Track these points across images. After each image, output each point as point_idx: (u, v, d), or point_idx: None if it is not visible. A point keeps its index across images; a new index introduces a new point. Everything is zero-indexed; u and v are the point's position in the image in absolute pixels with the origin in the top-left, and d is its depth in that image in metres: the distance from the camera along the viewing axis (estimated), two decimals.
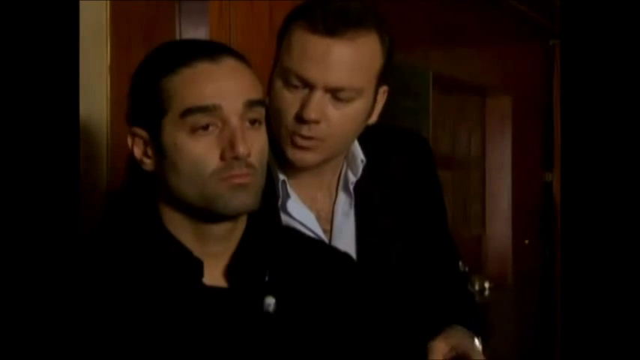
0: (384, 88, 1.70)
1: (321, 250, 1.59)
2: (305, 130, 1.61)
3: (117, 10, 2.04)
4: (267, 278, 1.45)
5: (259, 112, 1.41)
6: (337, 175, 1.74)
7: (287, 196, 1.69)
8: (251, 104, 1.40)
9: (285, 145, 1.64)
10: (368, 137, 1.74)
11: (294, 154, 1.64)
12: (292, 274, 1.48)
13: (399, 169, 1.79)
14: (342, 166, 1.74)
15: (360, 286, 1.57)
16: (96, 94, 1.97)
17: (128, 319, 1.36)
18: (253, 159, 1.39)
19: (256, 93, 1.42)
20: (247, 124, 1.39)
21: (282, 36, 1.65)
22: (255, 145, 1.39)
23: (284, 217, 1.69)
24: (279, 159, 1.68)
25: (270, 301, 1.42)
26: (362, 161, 1.73)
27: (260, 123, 1.42)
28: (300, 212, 1.70)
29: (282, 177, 1.69)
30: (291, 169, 1.68)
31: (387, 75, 1.68)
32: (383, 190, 1.76)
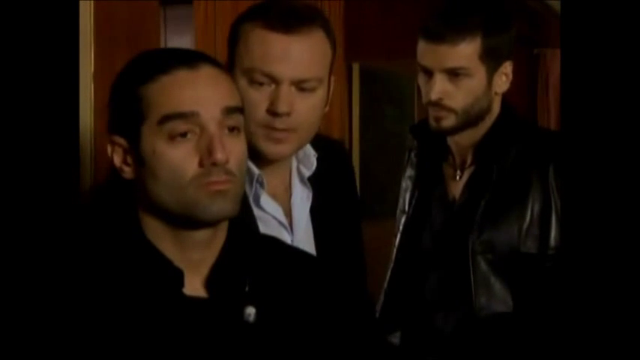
0: (333, 78, 1.82)
1: (302, 260, 1.59)
2: (278, 123, 1.70)
3: (101, 17, 2.04)
4: (247, 288, 1.44)
5: (237, 120, 1.42)
6: (289, 172, 1.84)
7: (261, 190, 1.77)
8: (229, 111, 1.40)
9: (258, 140, 1.71)
10: None
11: (268, 147, 1.72)
12: (273, 283, 1.48)
13: (330, 166, 1.91)
14: (292, 164, 1.85)
15: (340, 295, 1.57)
16: (80, 102, 1.97)
17: (108, 330, 1.35)
18: (232, 165, 1.39)
19: (234, 100, 1.42)
20: (226, 131, 1.40)
21: (236, 38, 1.74)
22: (233, 151, 1.39)
23: (256, 211, 1.76)
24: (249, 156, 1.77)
25: (251, 311, 1.42)
26: (314, 155, 1.84)
27: (239, 130, 1.42)
28: (270, 206, 1.79)
29: (257, 171, 1.76)
30: (259, 165, 1.76)
31: (333, 66, 1.81)
32: (326, 183, 1.88)
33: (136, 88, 1.40)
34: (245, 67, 1.71)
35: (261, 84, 1.70)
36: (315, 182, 1.85)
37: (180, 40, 3.93)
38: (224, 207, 1.39)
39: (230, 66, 1.74)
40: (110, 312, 1.36)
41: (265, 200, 1.78)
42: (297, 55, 1.69)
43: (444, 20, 2.12)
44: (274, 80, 1.69)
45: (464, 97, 2.12)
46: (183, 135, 1.38)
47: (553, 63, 7.22)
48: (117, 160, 1.44)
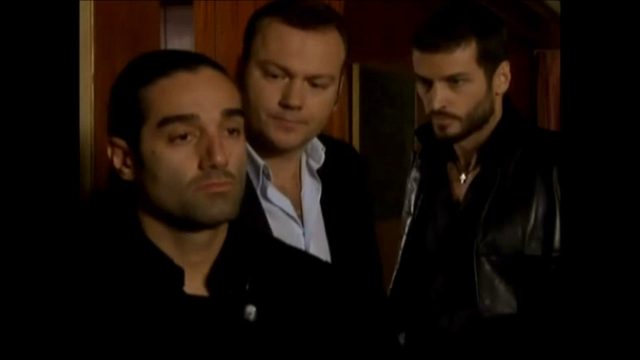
0: (342, 77, 1.86)
1: (302, 259, 1.60)
2: (288, 115, 1.75)
3: (101, 18, 2.04)
4: (247, 287, 1.45)
5: (237, 122, 1.42)
6: (299, 166, 1.88)
7: (267, 181, 1.80)
8: (229, 113, 1.40)
9: (268, 129, 1.76)
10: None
11: (278, 136, 1.76)
12: (273, 282, 1.49)
13: (338, 160, 1.94)
14: (302, 158, 1.88)
15: (343, 294, 1.58)
16: (80, 104, 1.97)
17: (109, 328, 1.35)
18: (232, 168, 1.39)
19: (234, 102, 1.43)
20: (225, 133, 1.40)
21: (253, 32, 1.79)
22: (233, 153, 1.40)
23: (264, 204, 1.79)
24: (257, 148, 1.80)
25: (251, 310, 1.43)
26: (322, 149, 1.88)
27: (239, 132, 1.42)
28: (278, 198, 1.81)
29: (262, 162, 1.79)
30: (267, 157, 1.80)
31: (344, 67, 1.85)
32: (335, 177, 1.91)
33: (136, 91, 1.41)
34: (261, 59, 1.76)
35: (275, 76, 1.75)
36: (324, 176, 1.87)
37: (180, 41, 3.93)
38: (223, 209, 1.39)
39: (245, 58, 1.79)
40: (111, 311, 1.37)
41: (272, 192, 1.80)
42: (313, 51, 1.74)
43: (436, 29, 2.12)
44: (288, 74, 1.74)
45: (466, 103, 2.12)
46: (183, 137, 1.38)
47: (553, 63, 7.23)
48: (117, 161, 1.44)
